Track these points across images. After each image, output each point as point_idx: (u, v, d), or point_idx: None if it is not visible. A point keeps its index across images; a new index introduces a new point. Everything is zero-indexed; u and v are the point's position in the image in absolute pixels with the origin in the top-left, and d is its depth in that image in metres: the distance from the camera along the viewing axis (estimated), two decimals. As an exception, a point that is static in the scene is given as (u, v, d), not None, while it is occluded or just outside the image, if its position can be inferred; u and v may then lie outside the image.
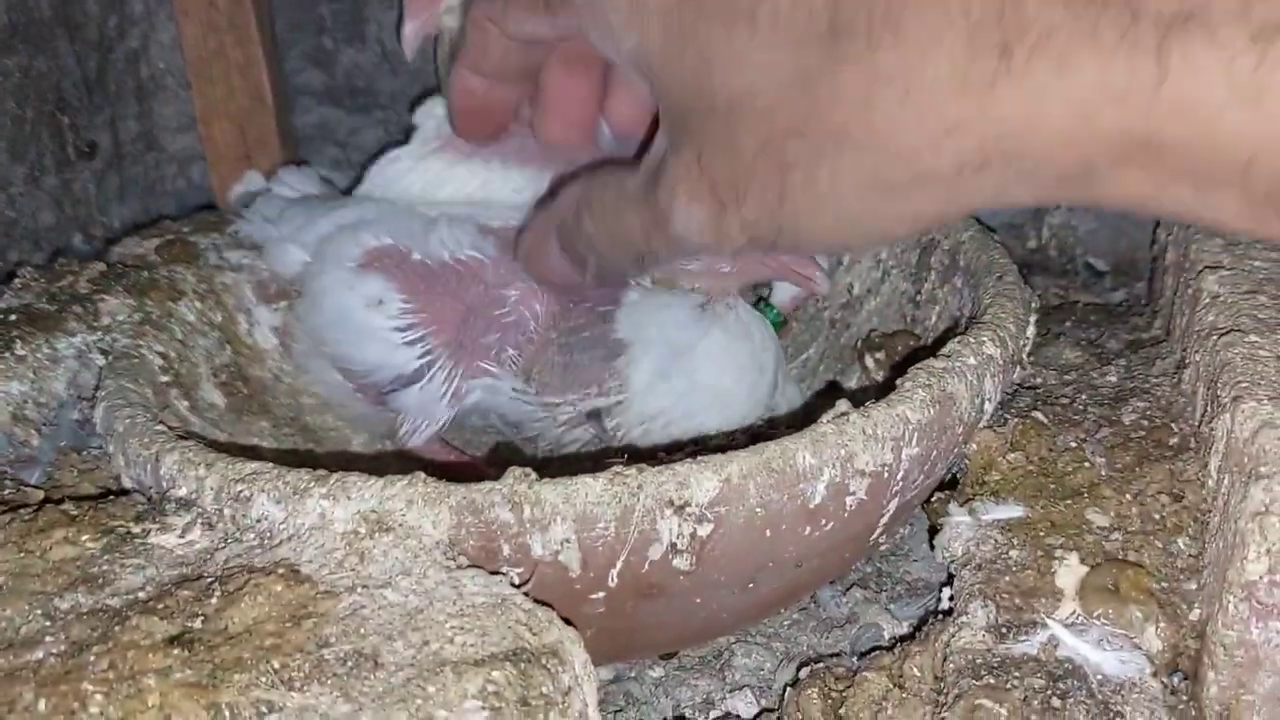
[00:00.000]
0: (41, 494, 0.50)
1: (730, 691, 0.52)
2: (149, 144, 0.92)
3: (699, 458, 0.43)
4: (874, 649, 0.50)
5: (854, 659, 0.51)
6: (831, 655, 0.52)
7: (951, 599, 0.48)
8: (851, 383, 0.66)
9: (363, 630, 0.38)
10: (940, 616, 0.48)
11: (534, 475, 0.43)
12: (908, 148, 0.38)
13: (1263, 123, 0.33)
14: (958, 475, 0.53)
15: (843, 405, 0.46)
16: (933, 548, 0.50)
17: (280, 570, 0.40)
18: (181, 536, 0.44)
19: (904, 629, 0.54)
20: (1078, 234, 0.81)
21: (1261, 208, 0.34)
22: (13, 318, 0.61)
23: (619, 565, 0.43)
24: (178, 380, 0.61)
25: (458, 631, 0.38)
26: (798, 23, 0.39)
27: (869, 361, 0.64)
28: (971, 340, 0.50)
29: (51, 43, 0.83)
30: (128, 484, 0.51)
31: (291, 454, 0.63)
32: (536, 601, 0.41)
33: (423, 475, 0.43)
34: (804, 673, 0.49)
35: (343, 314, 0.63)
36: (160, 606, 0.39)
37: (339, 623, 0.38)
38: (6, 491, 0.50)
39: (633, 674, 0.55)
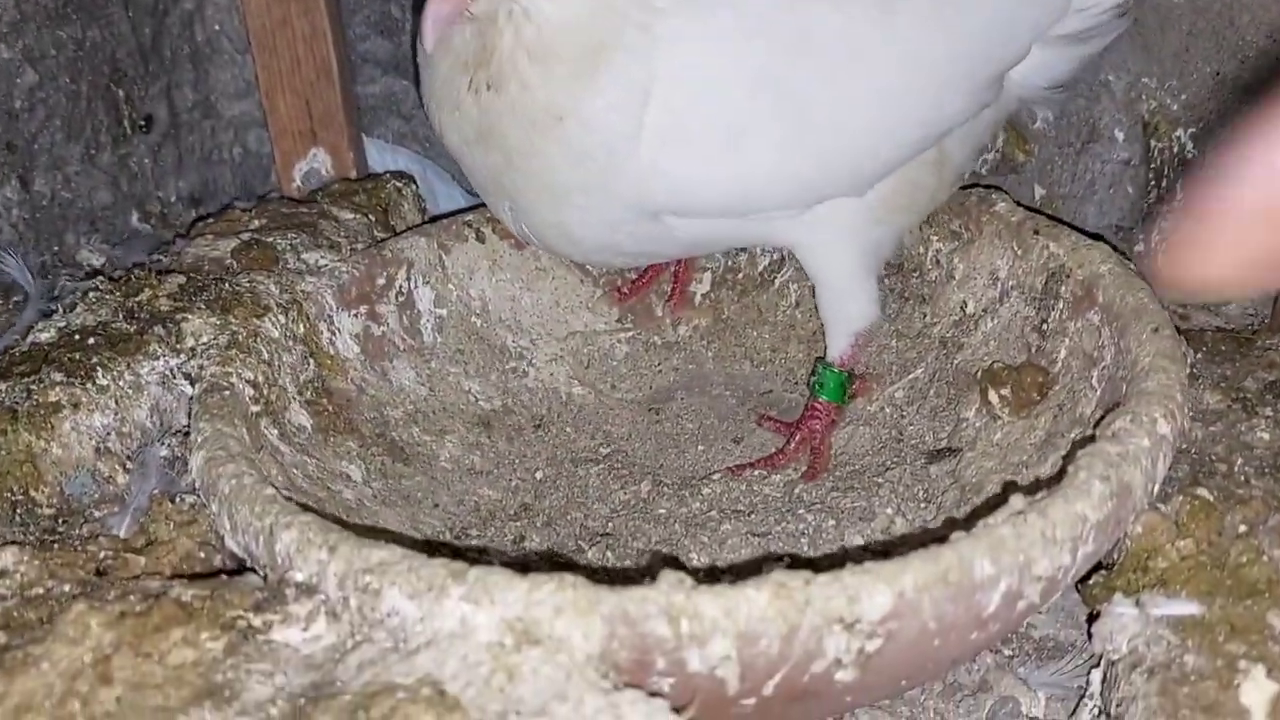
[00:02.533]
0: (141, 560, 0.47)
1: (860, 768, 0.50)
2: (205, 112, 0.87)
3: (869, 565, 0.40)
4: (1024, 742, 0.48)
5: (996, 744, 0.49)
6: (973, 740, 0.50)
7: (1105, 692, 0.46)
8: (970, 413, 0.62)
9: (526, 775, 0.35)
10: (1103, 716, 0.45)
11: (691, 583, 0.40)
12: None
13: None
14: (1115, 554, 0.49)
15: (1018, 502, 0.43)
16: (1090, 636, 0.47)
17: (425, 692, 0.37)
18: (305, 629, 0.41)
19: (1041, 703, 0.51)
20: (1193, 238, 0.77)
21: None
22: (91, 340, 0.57)
23: (778, 678, 0.40)
24: (268, 408, 0.58)
25: (630, 781, 0.35)
26: None
27: (993, 397, 0.60)
28: (1143, 417, 0.47)
29: (106, 9, 0.78)
30: (233, 547, 0.48)
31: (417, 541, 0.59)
32: (699, 728, 0.38)
33: (570, 578, 0.40)
34: (952, 768, 0.47)
35: None
36: (301, 735, 0.36)
37: (498, 763, 0.35)
38: (104, 554, 0.47)
39: (752, 739, 0.52)
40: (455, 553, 0.59)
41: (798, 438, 0.66)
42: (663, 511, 0.62)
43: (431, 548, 0.60)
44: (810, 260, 0.64)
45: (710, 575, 0.41)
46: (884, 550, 0.51)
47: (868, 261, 0.63)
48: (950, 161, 0.63)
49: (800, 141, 0.57)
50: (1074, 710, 0.48)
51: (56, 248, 0.76)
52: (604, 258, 0.68)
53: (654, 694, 0.39)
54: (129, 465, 0.54)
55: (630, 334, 0.76)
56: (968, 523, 0.43)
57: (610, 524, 0.61)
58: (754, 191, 0.59)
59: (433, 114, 0.65)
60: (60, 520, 0.51)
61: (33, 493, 0.51)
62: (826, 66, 0.56)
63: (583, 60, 0.57)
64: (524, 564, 0.56)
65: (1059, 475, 0.45)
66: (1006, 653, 0.55)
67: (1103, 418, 0.50)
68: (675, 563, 0.49)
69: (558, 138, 0.58)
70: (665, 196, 0.58)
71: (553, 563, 0.58)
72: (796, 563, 0.44)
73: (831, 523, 0.58)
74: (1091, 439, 0.46)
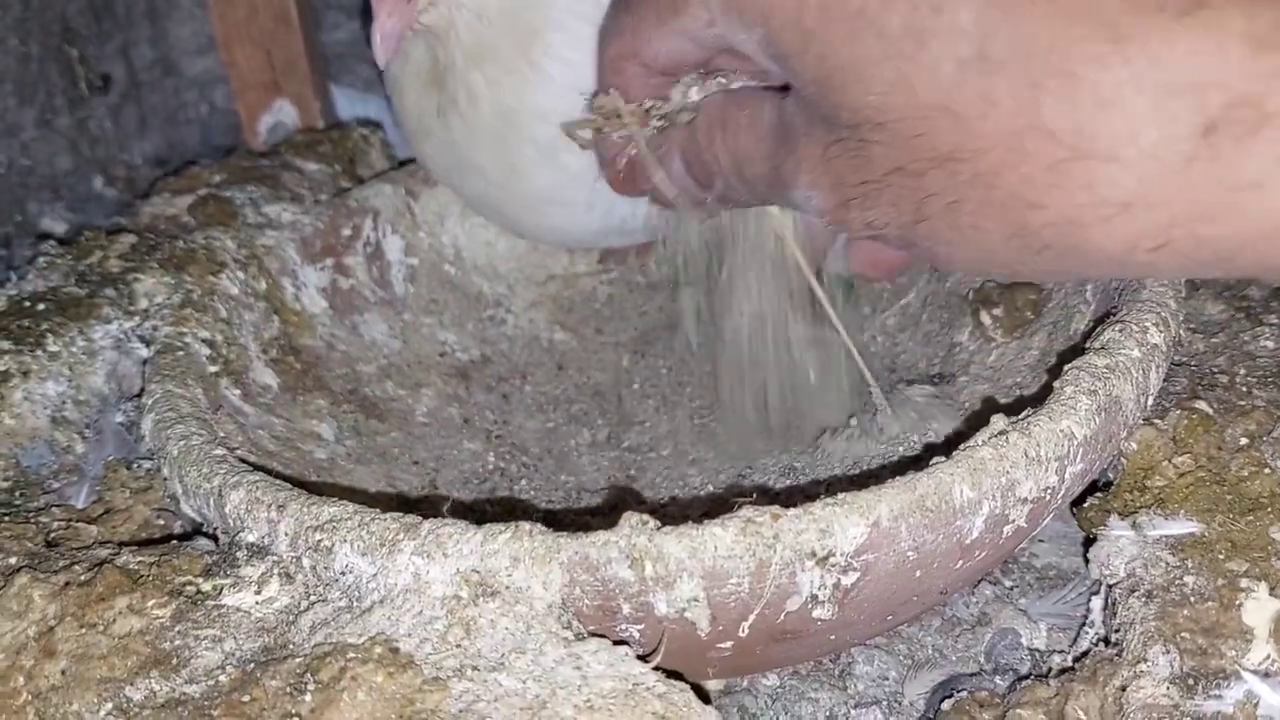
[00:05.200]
0: (94, 530, 0.45)
1: (855, 708, 0.48)
2: (166, 70, 0.84)
3: (841, 497, 0.38)
4: (1024, 677, 0.46)
5: (995, 678, 0.47)
6: (971, 675, 0.48)
7: (1106, 619, 0.44)
8: (963, 337, 0.60)
9: (480, 733, 0.33)
10: (1101, 644, 0.43)
11: (654, 524, 0.38)
12: (1067, 217, 0.34)
13: None
14: (1110, 475, 0.47)
15: (999, 422, 0.40)
16: (1087, 560, 0.45)
17: (378, 651, 0.36)
18: (258, 593, 0.40)
19: (1042, 633, 0.49)
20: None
21: None
22: (40, 306, 0.55)
23: (751, 618, 0.38)
24: (227, 368, 0.56)
25: (589, 733, 0.33)
26: (938, 40, 0.34)
27: (985, 318, 0.58)
28: (1133, 326, 0.44)
29: (52, -35, 0.75)
30: (187, 511, 0.46)
31: (376, 494, 0.57)
32: (670, 674, 0.36)
33: (526, 526, 0.38)
34: (947, 704, 0.45)
35: None
36: (247, 701, 0.35)
37: (452, 722, 0.34)
38: (56, 525, 0.46)
39: (744, 684, 0.50)
40: (434, 508, 0.57)
41: None
42: (652, 454, 0.60)
43: (408, 504, 0.58)
44: None
45: (683, 516, 0.39)
46: (863, 481, 0.48)
47: None
48: None
49: None
50: (1075, 639, 0.46)
51: (19, 217, 0.74)
52: (609, 242, 0.65)
53: (619, 642, 0.37)
54: (87, 434, 0.52)
55: (612, 275, 0.74)
56: (948, 446, 0.40)
57: (599, 472, 0.59)
58: None
59: (410, 142, 0.63)
60: (17, 493, 0.50)
61: (-15, 466, 0.49)
62: None
63: (517, 52, 0.54)
64: (507, 514, 0.54)
65: (1045, 391, 0.42)
66: (1007, 584, 0.53)
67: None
68: (639, 502, 0.47)
69: (526, 140, 0.55)
70: None
71: (543, 516, 0.56)
72: (769, 497, 0.41)
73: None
74: (1080, 351, 0.44)
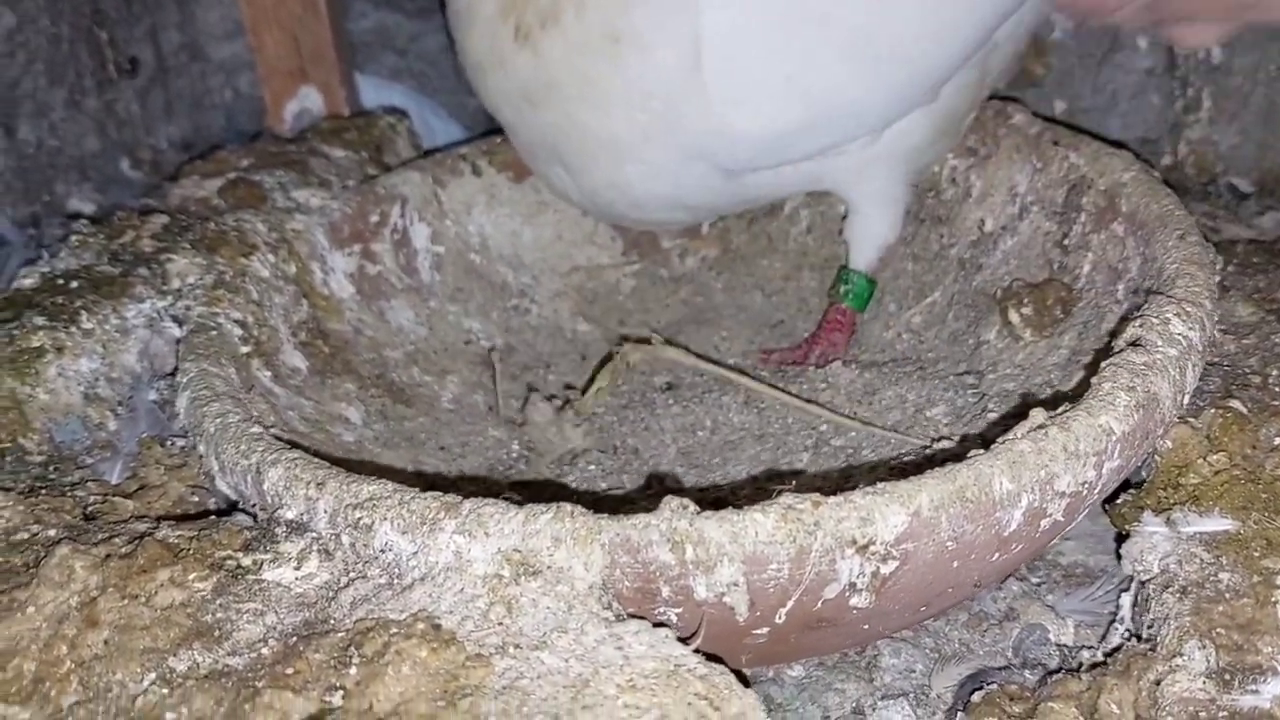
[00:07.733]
0: (130, 505, 0.45)
1: (882, 699, 0.48)
2: (193, 54, 0.84)
3: (882, 486, 0.38)
4: (1052, 672, 0.46)
5: (1024, 672, 0.47)
6: (999, 668, 0.48)
7: (1137, 615, 0.44)
8: (990, 335, 0.60)
9: (525, 709, 0.33)
10: (1133, 639, 0.43)
11: (694, 508, 0.38)
12: None
13: None
14: (1144, 472, 0.47)
15: (1038, 416, 0.40)
16: (1119, 557, 0.45)
17: (420, 627, 0.36)
18: (298, 568, 0.40)
19: (1070, 629, 0.49)
20: (1219, 150, 0.74)
21: None
22: (74, 285, 0.55)
23: (790, 605, 0.38)
24: (259, 349, 0.56)
25: (633, 713, 0.33)
26: None
27: (1013, 317, 0.58)
28: (1169, 324, 0.44)
29: (84, -53, 0.75)
30: (223, 488, 0.46)
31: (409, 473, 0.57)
32: (708, 657, 0.36)
33: (568, 507, 0.38)
34: (977, 696, 0.45)
35: None
36: (291, 674, 0.35)
37: (497, 698, 0.34)
38: (92, 499, 0.46)
39: (770, 673, 0.50)
40: (460, 493, 0.57)
41: (817, 352, 0.64)
42: (677, 444, 0.60)
43: (434, 488, 0.58)
44: (861, 187, 0.62)
45: (718, 503, 0.39)
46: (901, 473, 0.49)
47: (911, 181, 0.63)
48: (988, 75, 0.62)
49: (871, 65, 0.54)
50: (1104, 635, 0.46)
51: (47, 197, 0.74)
52: (668, 216, 0.65)
53: (659, 624, 0.37)
54: (120, 410, 0.53)
55: (636, 267, 0.74)
56: (986, 439, 0.40)
57: (622, 460, 0.60)
58: (834, 126, 0.57)
59: (475, 80, 0.63)
60: (51, 468, 0.50)
61: (21, 440, 0.49)
62: None
63: None
64: (531, 501, 0.54)
65: (1083, 387, 0.42)
66: (1034, 580, 0.53)
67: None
68: (679, 490, 0.47)
69: (618, 69, 0.55)
70: (743, 153, 0.57)
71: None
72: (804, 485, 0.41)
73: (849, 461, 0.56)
74: (1111, 350, 0.44)
